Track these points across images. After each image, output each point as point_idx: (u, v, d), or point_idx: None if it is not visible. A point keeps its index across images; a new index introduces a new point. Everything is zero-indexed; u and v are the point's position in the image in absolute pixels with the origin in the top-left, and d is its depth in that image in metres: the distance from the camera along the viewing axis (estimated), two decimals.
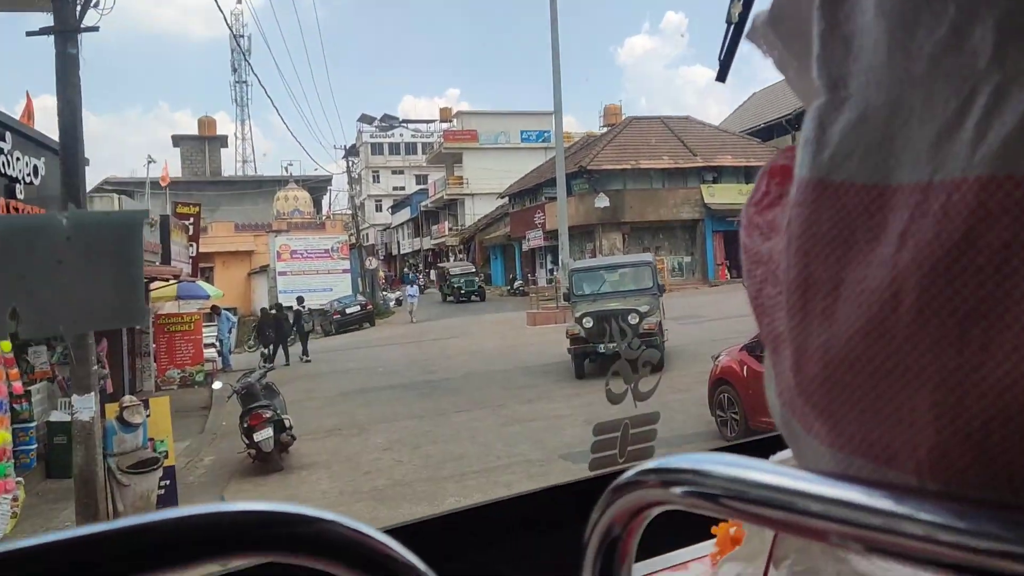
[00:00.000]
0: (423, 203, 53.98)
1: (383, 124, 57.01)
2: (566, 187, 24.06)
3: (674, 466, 0.38)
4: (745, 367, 7.62)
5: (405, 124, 60.86)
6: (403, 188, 62.15)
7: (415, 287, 31.26)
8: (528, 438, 9.06)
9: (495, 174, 42.65)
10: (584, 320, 11.25)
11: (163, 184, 24.47)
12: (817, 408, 0.35)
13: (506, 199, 39.87)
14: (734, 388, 7.60)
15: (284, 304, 21.86)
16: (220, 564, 0.40)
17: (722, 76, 0.83)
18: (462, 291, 31.84)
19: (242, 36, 45.08)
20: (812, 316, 0.35)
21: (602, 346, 11.11)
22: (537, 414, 10.38)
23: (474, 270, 35.55)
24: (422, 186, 57.43)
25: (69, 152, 6.44)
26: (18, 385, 7.58)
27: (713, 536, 0.96)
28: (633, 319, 10.95)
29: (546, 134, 47.01)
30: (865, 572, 0.45)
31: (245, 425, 8.91)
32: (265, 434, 8.70)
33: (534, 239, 33.71)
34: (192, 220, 18.09)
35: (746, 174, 31.01)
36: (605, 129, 39.21)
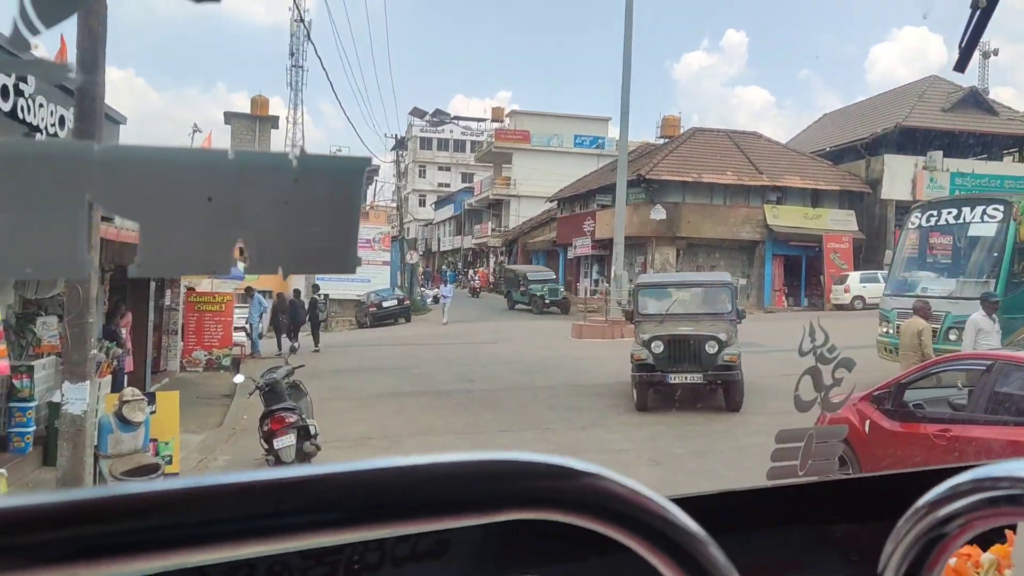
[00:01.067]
0: (468, 201, 53.04)
1: (434, 119, 56.07)
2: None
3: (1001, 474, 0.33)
4: (868, 422, 6.24)
5: (456, 120, 59.97)
6: (448, 185, 61.36)
7: (449, 287, 30.12)
8: None
9: (544, 176, 41.43)
10: (653, 344, 9.86)
11: None
12: None
13: (554, 203, 38.62)
14: (850, 446, 6.20)
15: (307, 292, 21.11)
16: (487, 518, 0.36)
17: (961, 66, 0.72)
18: (545, 300, 28.53)
19: (302, 21, 44.71)
20: None
21: (672, 375, 9.76)
22: (593, 444, 9.11)
23: (555, 276, 32.25)
24: (468, 184, 56.54)
25: (86, 94, 5.38)
26: (3, 364, 6.52)
27: None
28: (712, 348, 9.58)
29: (600, 140, 45.69)
30: None
31: (265, 428, 7.82)
32: (286, 441, 7.59)
33: (581, 247, 32.37)
34: None
35: (813, 197, 29.26)
36: (663, 140, 37.75)
